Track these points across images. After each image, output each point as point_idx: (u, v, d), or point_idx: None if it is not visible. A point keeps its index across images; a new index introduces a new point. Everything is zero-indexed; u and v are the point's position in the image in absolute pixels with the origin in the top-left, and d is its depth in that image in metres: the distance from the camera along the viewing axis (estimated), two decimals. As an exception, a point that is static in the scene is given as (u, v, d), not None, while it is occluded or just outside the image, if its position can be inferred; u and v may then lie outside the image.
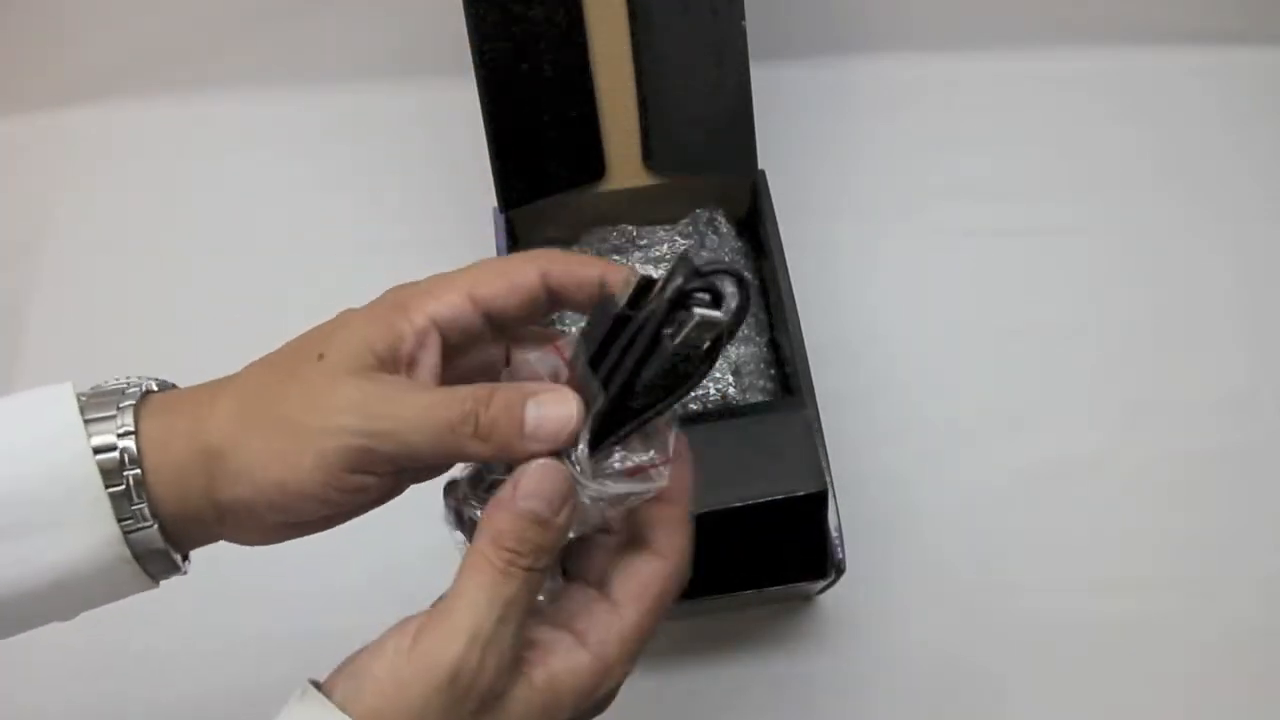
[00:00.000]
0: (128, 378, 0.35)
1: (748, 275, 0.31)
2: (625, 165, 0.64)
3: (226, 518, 0.33)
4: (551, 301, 0.34)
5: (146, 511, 0.32)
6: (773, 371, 0.64)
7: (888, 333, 0.72)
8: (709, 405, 0.61)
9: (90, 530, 0.32)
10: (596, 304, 0.31)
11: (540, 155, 0.62)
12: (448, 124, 0.73)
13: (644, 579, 0.33)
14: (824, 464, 0.55)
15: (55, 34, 0.79)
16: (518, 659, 0.31)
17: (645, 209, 0.67)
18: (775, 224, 0.64)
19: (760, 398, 0.62)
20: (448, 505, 0.34)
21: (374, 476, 0.32)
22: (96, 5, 0.78)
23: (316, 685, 0.31)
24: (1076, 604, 0.64)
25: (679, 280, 0.29)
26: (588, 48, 0.60)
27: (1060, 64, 0.81)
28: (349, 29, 0.79)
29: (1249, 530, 0.66)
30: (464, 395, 0.31)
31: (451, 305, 0.33)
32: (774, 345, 0.65)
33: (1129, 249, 0.75)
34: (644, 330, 0.30)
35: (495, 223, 0.64)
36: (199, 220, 0.77)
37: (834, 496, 0.55)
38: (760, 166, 0.65)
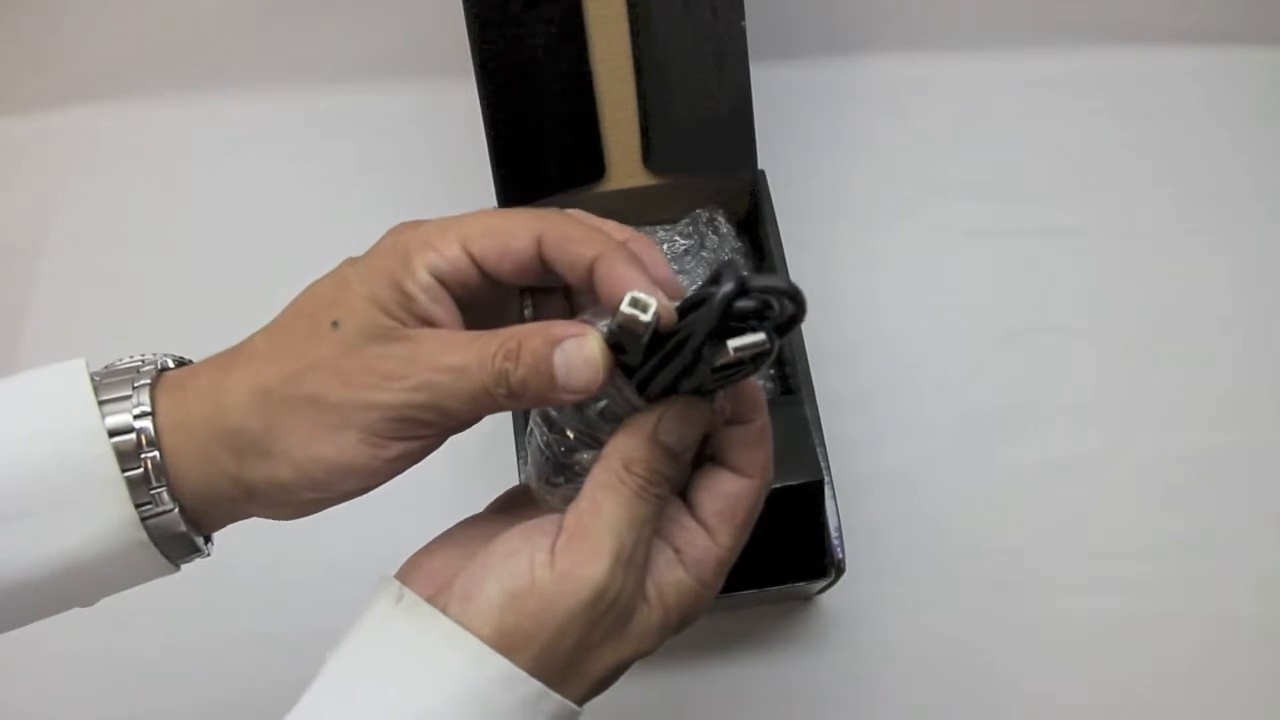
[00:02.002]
0: (142, 355, 0.33)
1: (802, 292, 0.28)
2: (625, 165, 0.64)
3: (258, 497, 0.32)
4: (546, 270, 0.32)
5: (166, 495, 0.31)
6: (773, 371, 0.64)
7: (888, 333, 0.72)
8: (709, 405, 0.61)
9: (105, 513, 0.31)
10: (621, 326, 0.29)
11: (540, 155, 0.62)
12: (448, 124, 0.73)
13: (730, 498, 0.33)
14: (821, 457, 0.55)
15: (55, 34, 0.79)
16: (643, 577, 0.31)
17: (645, 209, 0.67)
18: (775, 224, 0.64)
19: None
20: (544, 442, 0.34)
21: (417, 440, 0.31)
22: (96, 5, 0.78)
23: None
24: (1076, 604, 0.64)
25: (726, 292, 0.27)
26: (588, 48, 0.60)
27: (1060, 64, 0.81)
28: (349, 29, 0.79)
29: (1248, 530, 0.66)
30: (492, 351, 0.30)
31: (450, 260, 0.31)
32: (774, 345, 0.65)
33: (1129, 249, 0.75)
34: (681, 352, 0.29)
35: (495, 223, 0.63)
36: (199, 220, 0.77)
37: (834, 497, 0.55)
38: (760, 166, 0.65)
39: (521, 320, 0.36)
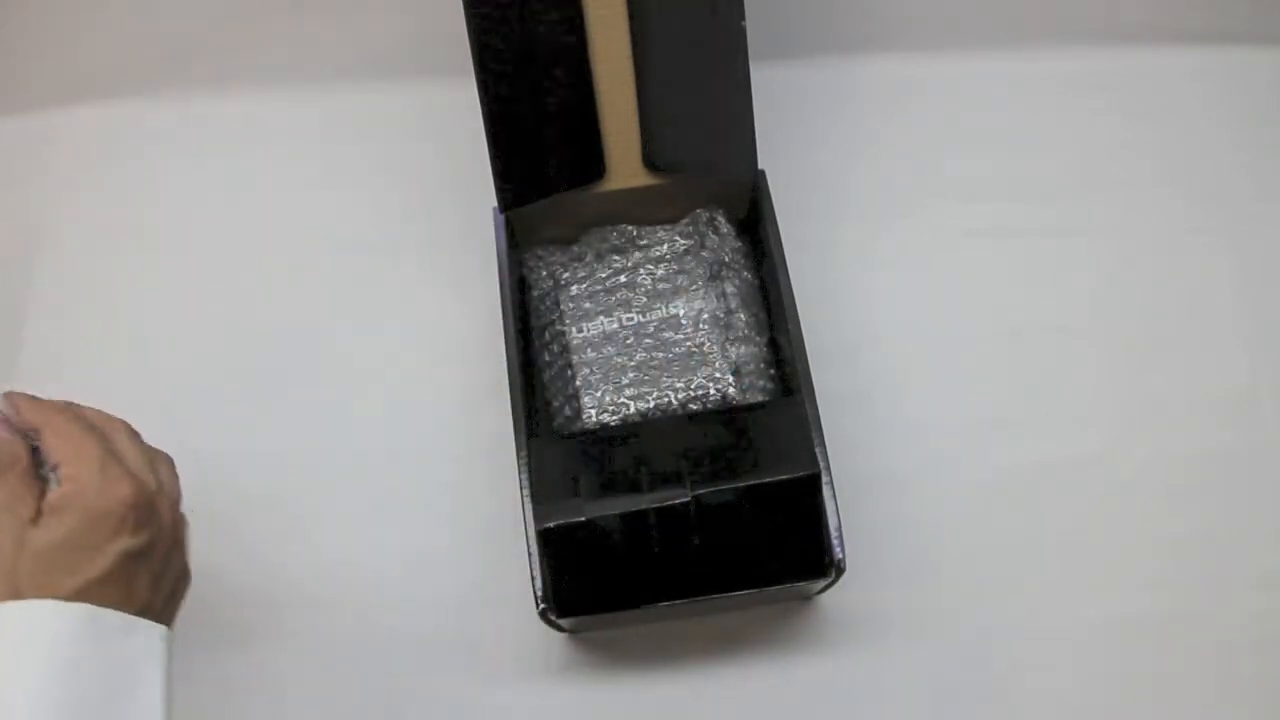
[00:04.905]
0: None
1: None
2: (625, 165, 0.64)
3: None
4: None
5: None
6: (773, 371, 0.64)
7: (888, 333, 0.72)
8: (709, 405, 0.61)
9: None
10: None
11: (540, 155, 0.62)
12: (448, 124, 0.73)
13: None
14: (821, 457, 0.55)
15: (55, 34, 0.79)
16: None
17: (645, 209, 0.67)
18: (775, 224, 0.64)
19: (760, 398, 0.62)
20: None
21: None
22: (96, 5, 0.78)
23: None
24: (1076, 604, 0.64)
25: None
26: (588, 47, 0.60)
27: (1060, 64, 0.81)
28: (349, 29, 0.79)
29: (1249, 530, 0.66)
30: None
31: None
32: (774, 345, 0.65)
33: (1129, 249, 0.75)
34: None
35: (495, 223, 0.64)
36: (198, 220, 0.77)
37: (834, 496, 0.55)
38: (760, 166, 0.65)
39: None
